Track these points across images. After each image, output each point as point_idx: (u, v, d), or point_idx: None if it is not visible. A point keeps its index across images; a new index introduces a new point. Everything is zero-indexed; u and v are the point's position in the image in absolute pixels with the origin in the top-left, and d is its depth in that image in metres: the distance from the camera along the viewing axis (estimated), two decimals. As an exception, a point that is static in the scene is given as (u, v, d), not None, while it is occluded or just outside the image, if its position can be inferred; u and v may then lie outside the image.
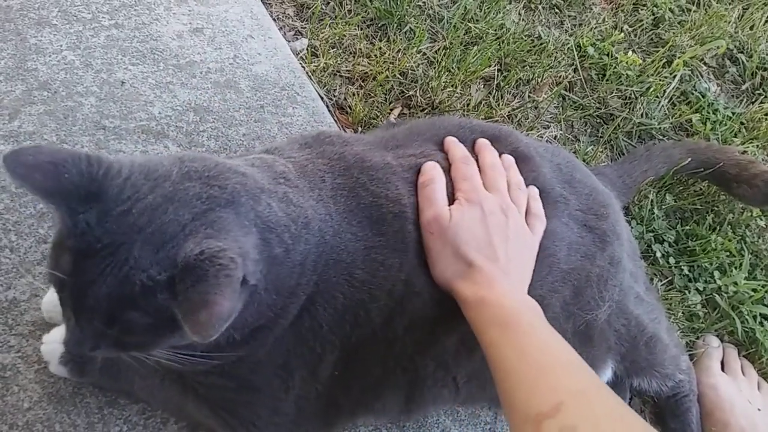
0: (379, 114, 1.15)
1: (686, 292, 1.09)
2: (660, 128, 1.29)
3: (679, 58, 1.37)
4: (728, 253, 1.14)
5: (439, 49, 1.25)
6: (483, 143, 0.77)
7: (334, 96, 1.17)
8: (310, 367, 0.65)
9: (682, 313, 1.08)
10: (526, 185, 0.75)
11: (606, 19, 1.43)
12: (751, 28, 1.51)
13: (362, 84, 1.19)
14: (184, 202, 0.52)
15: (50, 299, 0.76)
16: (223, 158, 0.63)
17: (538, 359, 0.57)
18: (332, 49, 1.20)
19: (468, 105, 1.20)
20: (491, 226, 0.68)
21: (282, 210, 0.58)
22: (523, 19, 1.36)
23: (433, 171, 0.70)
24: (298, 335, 0.63)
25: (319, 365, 0.66)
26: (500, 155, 0.77)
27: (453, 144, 0.75)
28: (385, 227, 0.66)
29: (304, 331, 0.62)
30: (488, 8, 1.32)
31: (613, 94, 1.31)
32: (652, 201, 1.16)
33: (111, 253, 0.50)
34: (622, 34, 1.39)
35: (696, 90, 1.36)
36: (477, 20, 1.30)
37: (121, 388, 0.74)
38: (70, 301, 0.53)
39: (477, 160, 0.75)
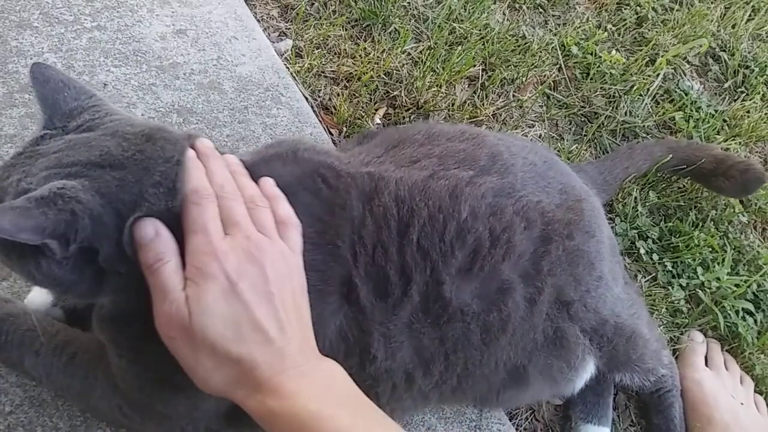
0: (363, 114, 1.15)
1: (669, 288, 1.10)
2: (643, 126, 1.30)
3: (662, 56, 1.38)
4: (711, 249, 1.15)
5: (423, 50, 1.25)
6: (203, 153, 0.59)
7: (319, 97, 1.17)
8: None
9: (666, 308, 1.08)
10: (498, 184, 0.71)
11: (590, 19, 1.44)
12: (733, 27, 1.53)
13: (347, 84, 1.19)
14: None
15: (32, 300, 0.76)
16: None
17: None
18: (317, 49, 1.20)
19: (453, 105, 1.21)
20: (246, 294, 0.52)
21: None
22: (507, 19, 1.37)
23: (156, 244, 0.52)
24: None
25: None
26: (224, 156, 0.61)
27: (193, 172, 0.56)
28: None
29: None
30: (473, 8, 1.33)
31: (597, 92, 1.31)
32: (635, 198, 1.17)
33: None
34: (606, 34, 1.41)
35: (679, 88, 1.38)
36: (461, 20, 1.31)
37: (9, 360, 0.72)
38: None
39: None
